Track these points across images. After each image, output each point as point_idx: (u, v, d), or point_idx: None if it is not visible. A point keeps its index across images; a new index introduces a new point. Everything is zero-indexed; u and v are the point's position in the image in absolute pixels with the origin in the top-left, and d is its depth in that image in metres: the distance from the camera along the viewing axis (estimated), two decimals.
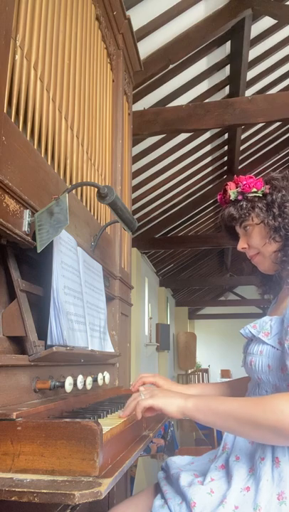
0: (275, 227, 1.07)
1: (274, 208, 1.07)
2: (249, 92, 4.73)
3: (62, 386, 1.04)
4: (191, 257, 9.68)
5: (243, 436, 0.95)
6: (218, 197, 1.19)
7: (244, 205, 1.11)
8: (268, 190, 1.10)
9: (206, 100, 4.62)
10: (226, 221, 1.17)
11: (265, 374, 0.99)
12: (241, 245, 1.16)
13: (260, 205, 1.10)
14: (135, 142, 4.35)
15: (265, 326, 1.01)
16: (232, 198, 1.13)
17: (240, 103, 3.36)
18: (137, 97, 3.85)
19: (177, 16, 3.46)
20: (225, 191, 1.15)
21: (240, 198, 1.12)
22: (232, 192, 1.13)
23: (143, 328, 7.80)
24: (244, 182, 1.11)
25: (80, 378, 1.10)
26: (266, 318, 1.03)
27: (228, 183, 1.15)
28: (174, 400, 0.95)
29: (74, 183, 1.41)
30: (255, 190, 1.10)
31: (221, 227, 1.24)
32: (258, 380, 1.03)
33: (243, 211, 1.11)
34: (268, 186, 1.11)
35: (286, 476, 0.89)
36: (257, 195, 1.10)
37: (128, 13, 2.10)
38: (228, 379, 9.80)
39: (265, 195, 1.10)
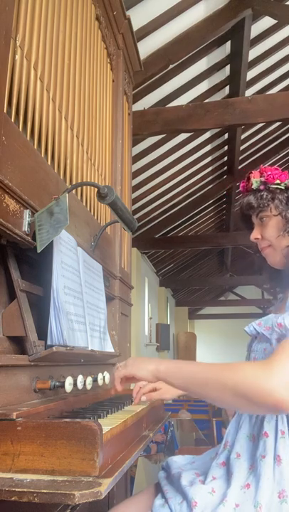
0: None
1: None
2: (249, 92, 4.73)
3: (63, 386, 1.04)
4: (191, 257, 9.68)
5: (210, 399, 0.94)
6: (241, 184, 1.18)
7: (264, 196, 1.10)
8: None
9: (206, 100, 4.62)
10: (244, 209, 1.16)
11: None
12: (255, 235, 1.15)
13: (280, 197, 1.09)
14: (135, 142, 4.35)
15: (268, 322, 1.01)
16: (254, 186, 1.12)
17: (240, 103, 3.36)
18: (137, 97, 3.85)
19: (177, 16, 3.46)
20: (248, 179, 1.14)
21: (262, 187, 1.11)
22: (255, 180, 1.12)
23: (143, 328, 7.80)
24: (269, 172, 1.11)
25: (80, 378, 1.10)
26: (271, 316, 1.03)
27: (252, 172, 1.14)
28: (146, 365, 0.97)
29: (74, 183, 1.41)
30: (278, 181, 1.10)
31: (238, 215, 1.23)
32: None
33: (263, 201, 1.10)
34: None
35: (287, 475, 0.89)
36: (279, 187, 1.10)
37: (128, 13, 2.10)
38: None
39: (287, 188, 1.10)
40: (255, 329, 1.04)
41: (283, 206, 1.09)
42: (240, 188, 1.18)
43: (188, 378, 0.91)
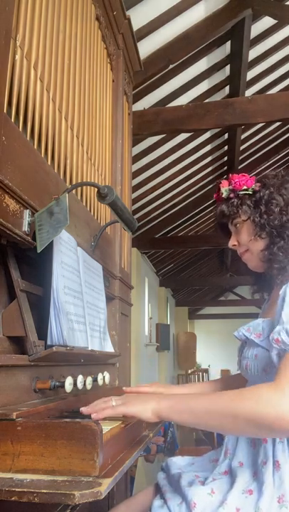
0: (261, 224, 1.08)
1: (261, 205, 1.08)
2: (249, 92, 4.73)
3: (63, 386, 1.04)
4: (191, 257, 9.67)
5: (222, 431, 0.93)
6: (214, 195, 1.21)
7: (234, 203, 1.13)
8: (257, 188, 1.11)
9: (206, 100, 4.62)
10: (219, 218, 1.19)
11: (262, 378, 0.98)
12: (232, 242, 1.18)
13: (248, 202, 1.12)
14: (135, 142, 4.35)
15: (257, 328, 1.01)
16: (224, 195, 1.16)
17: (240, 103, 3.35)
18: (137, 97, 3.85)
19: (177, 16, 3.46)
20: (219, 189, 1.17)
21: (231, 195, 1.14)
22: (224, 190, 1.15)
23: (143, 328, 7.80)
24: (236, 180, 1.13)
25: (80, 378, 1.10)
26: (259, 321, 1.03)
27: (222, 181, 1.17)
28: (148, 405, 0.91)
29: (74, 183, 1.41)
30: (245, 187, 1.12)
31: (216, 225, 1.26)
32: (255, 384, 1.02)
33: (233, 208, 1.13)
34: (258, 184, 1.12)
35: (286, 480, 0.89)
36: (247, 192, 1.12)
37: (128, 13, 2.10)
38: None
39: (254, 192, 1.12)
40: (244, 335, 1.04)
41: (251, 210, 1.11)
42: (215, 198, 1.20)
43: (195, 414, 0.87)
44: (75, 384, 1.07)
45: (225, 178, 1.17)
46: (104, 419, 1.03)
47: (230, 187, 1.14)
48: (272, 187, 1.09)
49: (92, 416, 0.91)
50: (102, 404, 0.94)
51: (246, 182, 1.12)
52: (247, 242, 1.13)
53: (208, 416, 0.85)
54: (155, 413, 0.90)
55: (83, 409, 0.93)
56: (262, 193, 1.09)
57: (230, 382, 1.25)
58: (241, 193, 1.12)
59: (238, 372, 1.27)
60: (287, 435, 0.90)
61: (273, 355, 0.89)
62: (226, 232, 1.23)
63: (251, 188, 1.12)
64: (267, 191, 1.09)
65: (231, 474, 0.99)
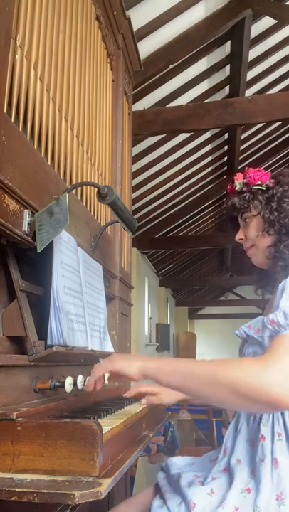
0: (270, 221, 1.08)
1: (273, 202, 1.08)
2: (249, 92, 4.73)
3: (62, 386, 1.04)
4: (191, 257, 9.68)
5: (205, 398, 0.91)
6: (228, 187, 1.20)
7: (246, 197, 1.13)
8: (271, 185, 1.11)
9: (206, 100, 4.62)
10: (228, 210, 1.19)
11: None
12: (239, 236, 1.18)
13: (260, 197, 1.11)
14: (135, 142, 4.35)
15: (257, 324, 1.01)
16: (237, 188, 1.15)
17: (240, 103, 3.36)
18: (137, 97, 3.85)
19: (177, 16, 3.46)
20: (233, 182, 1.17)
21: (244, 189, 1.14)
22: (238, 182, 1.15)
23: (143, 328, 7.80)
24: (251, 174, 1.13)
25: (80, 378, 1.10)
26: (259, 318, 1.03)
27: (236, 174, 1.16)
28: (134, 362, 0.91)
29: (74, 183, 1.41)
30: (259, 182, 1.12)
31: (225, 218, 1.26)
32: None
33: (244, 202, 1.13)
34: (273, 181, 1.12)
35: (285, 477, 0.89)
36: (261, 188, 1.12)
37: (128, 13, 2.10)
38: None
39: (268, 188, 1.11)
40: (245, 332, 1.04)
41: (262, 206, 1.11)
42: (228, 190, 1.20)
43: (180, 376, 0.87)
44: (75, 384, 1.07)
45: (227, 179, 1.17)
46: (105, 414, 1.04)
47: (245, 180, 1.14)
48: (287, 185, 1.09)
49: (90, 382, 0.98)
50: (93, 372, 0.97)
51: (261, 177, 1.12)
52: (254, 237, 1.13)
53: (193, 379, 0.85)
54: (141, 371, 0.90)
55: (88, 386, 1.01)
56: (275, 190, 1.09)
57: None
58: (254, 187, 1.12)
59: None
60: (267, 410, 0.90)
61: (265, 337, 0.89)
62: (235, 225, 1.22)
63: (265, 184, 1.12)
64: (281, 189, 1.09)
65: (230, 472, 0.99)
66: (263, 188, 1.12)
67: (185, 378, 0.86)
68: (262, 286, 1.22)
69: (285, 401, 0.75)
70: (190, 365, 0.87)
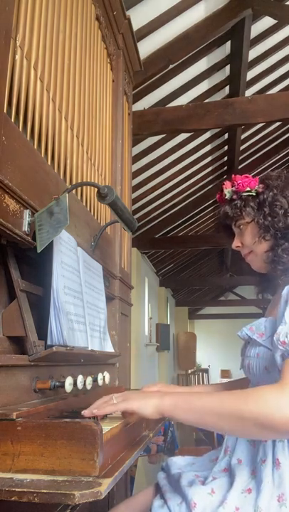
0: (265, 226, 1.08)
1: (265, 207, 1.08)
2: (249, 92, 4.73)
3: (63, 386, 1.04)
4: (191, 257, 9.67)
5: (225, 432, 0.92)
6: (217, 196, 1.21)
7: (238, 204, 1.13)
8: (261, 189, 1.11)
9: (206, 100, 4.62)
10: (222, 219, 1.20)
11: (263, 376, 0.98)
12: (235, 244, 1.18)
13: (252, 203, 1.11)
14: (135, 142, 4.35)
15: (260, 327, 1.01)
16: (227, 197, 1.16)
17: (240, 103, 3.35)
18: (137, 97, 3.85)
19: (177, 16, 3.46)
20: (222, 190, 1.17)
21: (234, 197, 1.14)
22: (227, 191, 1.15)
23: (143, 328, 7.80)
24: (239, 181, 1.13)
25: (80, 378, 1.10)
26: (261, 320, 1.03)
27: (224, 182, 1.17)
28: (149, 401, 0.89)
29: (74, 183, 1.41)
30: (248, 189, 1.12)
31: (219, 226, 1.26)
32: (257, 383, 1.02)
33: (236, 210, 1.13)
34: (261, 185, 1.12)
35: (286, 478, 0.88)
36: (250, 194, 1.12)
37: (128, 13, 2.10)
38: (228, 379, 9.80)
39: (258, 194, 1.11)
40: (247, 334, 1.04)
41: (255, 212, 1.11)
42: (217, 199, 1.20)
43: (198, 412, 0.85)
44: (75, 384, 1.07)
45: (227, 179, 1.17)
46: (105, 417, 1.03)
47: (234, 188, 1.14)
48: (276, 189, 1.09)
49: (94, 412, 0.89)
50: (100, 403, 0.92)
51: (249, 183, 1.12)
52: (251, 244, 1.13)
53: (212, 416, 0.83)
54: (157, 410, 0.88)
55: (85, 412, 0.91)
56: (265, 194, 1.09)
57: (232, 386, 1.25)
58: (245, 194, 1.12)
59: (239, 378, 1.27)
60: None
61: (277, 356, 0.89)
62: (229, 233, 1.23)
63: (254, 190, 1.12)
64: (270, 193, 1.08)
65: (230, 472, 0.99)
66: (253, 194, 1.12)
67: (203, 416, 0.85)
68: (263, 289, 1.22)
69: None
70: (210, 404, 0.84)
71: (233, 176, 1.16)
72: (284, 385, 0.80)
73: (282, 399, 0.77)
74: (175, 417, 0.88)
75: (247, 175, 1.15)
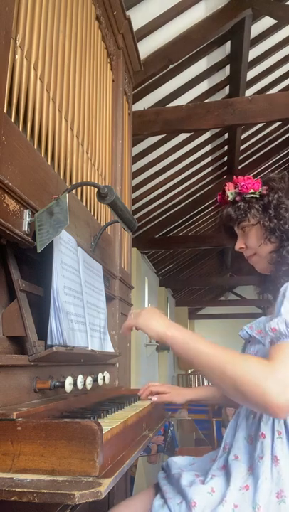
0: (271, 228, 1.08)
1: (270, 209, 1.08)
2: (249, 92, 4.73)
3: (63, 386, 1.04)
4: (191, 257, 9.67)
5: (208, 378, 0.94)
6: (218, 197, 1.20)
7: (241, 206, 1.13)
8: (265, 192, 1.11)
9: (206, 100, 4.62)
10: (224, 221, 1.19)
11: None
12: (239, 245, 1.18)
13: (256, 206, 1.11)
14: (135, 142, 4.35)
15: (259, 325, 1.02)
16: (230, 198, 1.15)
17: (240, 103, 3.35)
18: (137, 97, 3.85)
19: (177, 16, 3.46)
20: (224, 192, 1.16)
21: (238, 198, 1.14)
22: (230, 193, 1.15)
23: None
24: (242, 183, 1.13)
25: (80, 378, 1.10)
26: (262, 318, 1.04)
27: (226, 184, 1.16)
28: (155, 326, 0.95)
29: (74, 183, 1.41)
30: (252, 191, 1.12)
31: (220, 228, 1.25)
32: None
33: (240, 212, 1.13)
34: (265, 187, 1.11)
35: (285, 475, 0.89)
36: (254, 196, 1.12)
37: (128, 13, 2.10)
38: None
39: (262, 196, 1.11)
40: (247, 333, 1.04)
41: (260, 214, 1.11)
42: (218, 201, 1.20)
43: (192, 356, 0.90)
44: (75, 384, 1.07)
45: (227, 180, 1.17)
46: (105, 417, 1.04)
47: (237, 190, 1.13)
48: (281, 191, 1.09)
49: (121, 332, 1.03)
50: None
51: (253, 185, 1.12)
52: (256, 247, 1.13)
53: (202, 361, 0.88)
54: (158, 336, 0.94)
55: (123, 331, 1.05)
56: (270, 197, 1.09)
57: None
58: (248, 196, 1.12)
59: None
60: (264, 412, 0.91)
61: (267, 342, 0.90)
62: (231, 234, 1.22)
63: (258, 192, 1.11)
64: (275, 195, 1.09)
65: (228, 468, 1.00)
66: (257, 196, 1.12)
67: (194, 358, 0.90)
68: (264, 290, 1.22)
69: (282, 410, 0.77)
70: (200, 348, 0.89)
71: (234, 177, 1.16)
72: (274, 363, 0.82)
73: (263, 372, 0.79)
74: (172, 349, 0.94)
75: (249, 176, 1.15)
